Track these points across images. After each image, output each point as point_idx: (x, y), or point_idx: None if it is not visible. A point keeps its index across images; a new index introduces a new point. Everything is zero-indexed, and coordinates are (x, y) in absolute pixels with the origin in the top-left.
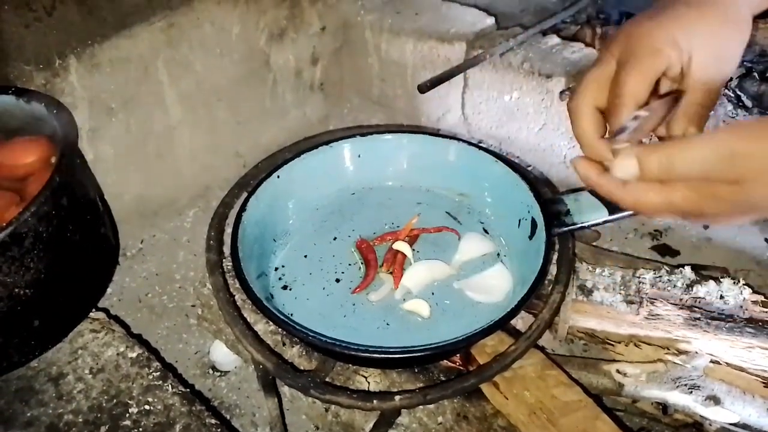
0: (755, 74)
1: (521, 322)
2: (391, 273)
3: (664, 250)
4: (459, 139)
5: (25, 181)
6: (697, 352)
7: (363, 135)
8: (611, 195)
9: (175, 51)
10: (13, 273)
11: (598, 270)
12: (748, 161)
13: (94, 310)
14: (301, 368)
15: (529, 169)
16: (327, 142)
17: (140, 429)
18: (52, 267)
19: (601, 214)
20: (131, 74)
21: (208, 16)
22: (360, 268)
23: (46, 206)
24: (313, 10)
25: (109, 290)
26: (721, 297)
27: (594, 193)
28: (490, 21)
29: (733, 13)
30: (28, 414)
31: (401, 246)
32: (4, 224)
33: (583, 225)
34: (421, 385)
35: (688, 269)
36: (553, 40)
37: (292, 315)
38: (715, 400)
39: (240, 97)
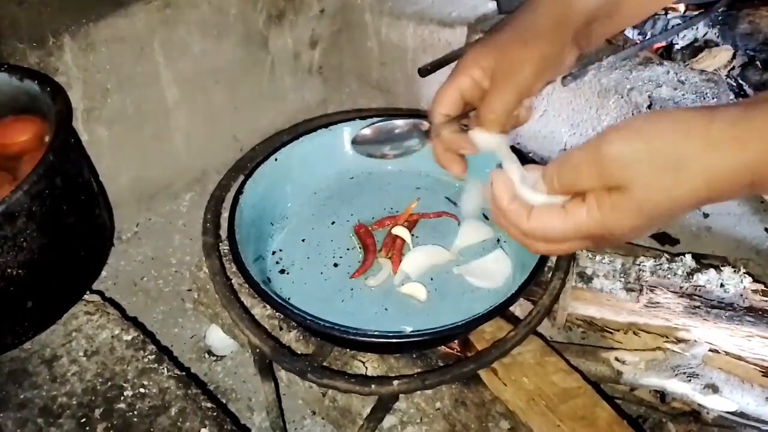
0: (758, 63)
1: (519, 309)
2: (389, 258)
3: (664, 239)
4: None
5: (18, 160)
6: (696, 341)
7: (362, 118)
8: (521, 241)
9: (171, 31)
10: (6, 253)
11: (598, 257)
12: (621, 165)
13: (88, 292)
14: (299, 352)
15: (530, 155)
16: (326, 125)
17: (135, 412)
18: (46, 247)
19: None
20: (127, 54)
21: None
22: (359, 252)
23: (39, 185)
24: None
25: (103, 273)
26: (722, 285)
27: None
28: (492, 5)
29: (525, 30)
30: (22, 396)
31: (400, 231)
32: None
33: None
34: (420, 370)
35: (688, 257)
36: None
37: (289, 299)
38: (713, 388)
39: (237, 80)
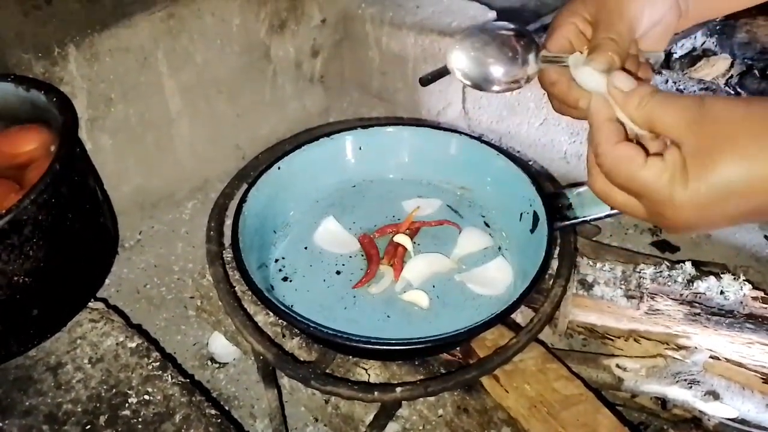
0: (755, 71)
1: (520, 316)
2: (391, 266)
3: (664, 246)
4: (461, 133)
5: (24, 169)
6: (696, 348)
7: (364, 127)
8: (592, 166)
9: (175, 41)
10: (13, 261)
11: (598, 265)
12: (712, 121)
13: (92, 299)
14: (301, 360)
15: (530, 164)
16: (328, 134)
17: (140, 419)
18: (52, 255)
19: (603, 209)
20: (131, 64)
21: (208, 6)
22: (361, 259)
23: (45, 194)
24: (313, 2)
25: (107, 281)
26: (722, 293)
27: None
28: (492, 15)
29: None
30: (27, 403)
31: (402, 239)
32: (4, 212)
33: (585, 219)
34: (422, 377)
35: (688, 265)
36: None
37: (292, 306)
38: (714, 395)
39: (240, 89)
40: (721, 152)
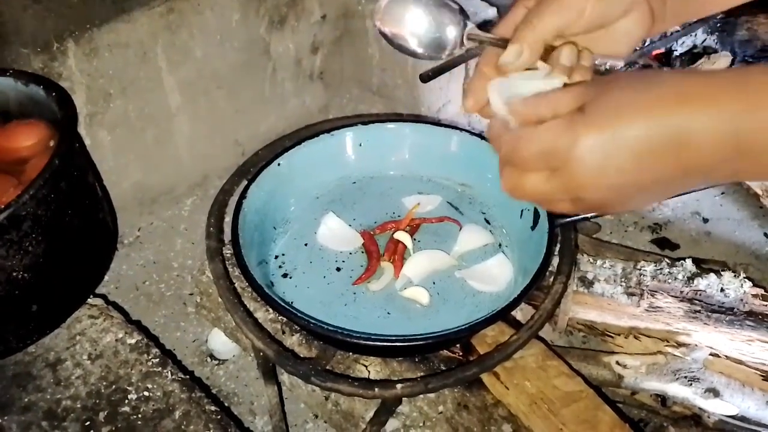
0: None
1: (521, 313)
2: (391, 262)
3: (664, 244)
4: (462, 130)
5: (23, 164)
6: (696, 345)
7: (365, 124)
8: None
9: (174, 37)
10: (12, 256)
11: (599, 262)
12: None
13: (92, 296)
14: (301, 356)
15: None
16: (328, 131)
17: (139, 415)
18: (51, 251)
19: None
20: (130, 59)
21: (208, 1)
22: (361, 256)
23: (44, 189)
24: None
25: (106, 278)
26: (722, 290)
27: None
28: (492, 12)
29: None
30: (26, 399)
31: (402, 236)
32: (3, 207)
33: (585, 216)
34: (422, 374)
35: (689, 262)
36: None
37: (292, 303)
38: (714, 392)
39: (239, 85)
40: (613, 88)
